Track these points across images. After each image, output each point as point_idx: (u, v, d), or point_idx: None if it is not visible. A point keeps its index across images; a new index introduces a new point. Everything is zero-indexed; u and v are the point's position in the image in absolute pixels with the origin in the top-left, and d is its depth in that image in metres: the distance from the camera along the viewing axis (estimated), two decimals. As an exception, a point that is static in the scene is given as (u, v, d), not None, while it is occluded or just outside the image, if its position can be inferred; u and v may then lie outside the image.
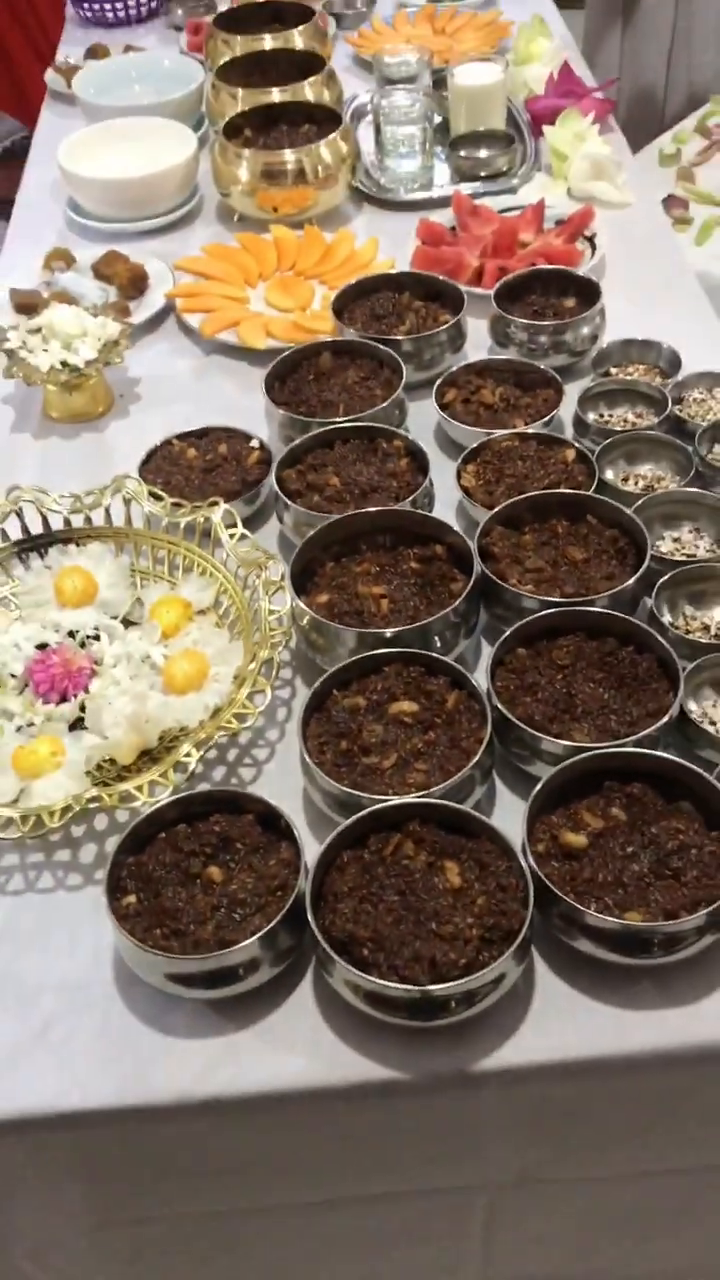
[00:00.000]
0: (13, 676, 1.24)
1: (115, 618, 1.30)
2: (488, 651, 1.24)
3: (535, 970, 1.01)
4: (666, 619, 1.22)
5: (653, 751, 1.06)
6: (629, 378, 1.55)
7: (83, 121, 2.18)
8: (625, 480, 1.42)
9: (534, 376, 1.51)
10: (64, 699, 1.22)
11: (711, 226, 2.23)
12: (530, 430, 1.42)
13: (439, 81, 2.14)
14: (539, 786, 1.04)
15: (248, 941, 0.95)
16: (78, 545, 1.36)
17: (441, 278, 1.67)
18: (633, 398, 1.52)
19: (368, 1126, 1.01)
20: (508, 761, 1.14)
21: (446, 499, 1.40)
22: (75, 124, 2.19)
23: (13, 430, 1.62)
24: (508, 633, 1.16)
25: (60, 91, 2.41)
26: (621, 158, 2.04)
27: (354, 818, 1.02)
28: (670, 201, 2.30)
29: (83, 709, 1.21)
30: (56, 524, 1.38)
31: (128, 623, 1.30)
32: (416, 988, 0.92)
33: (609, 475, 1.41)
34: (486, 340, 1.65)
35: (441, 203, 1.96)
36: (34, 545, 1.36)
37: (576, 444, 1.39)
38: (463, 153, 2.04)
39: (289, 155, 1.88)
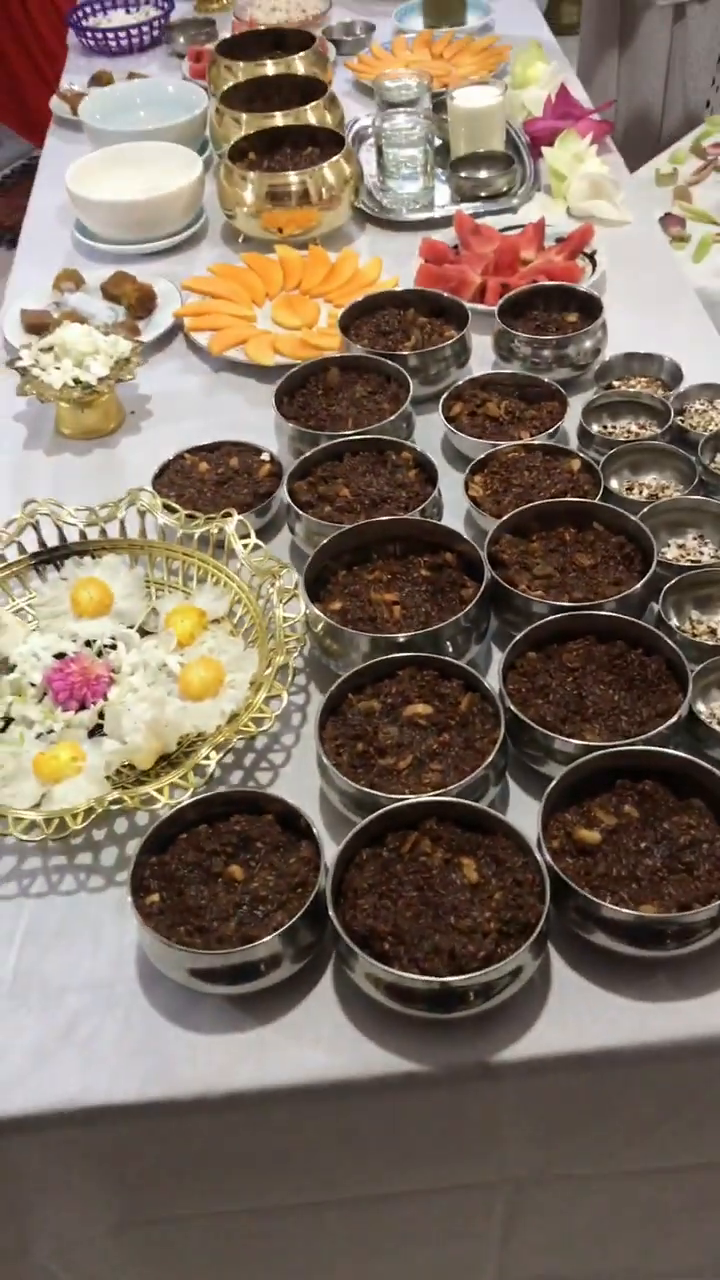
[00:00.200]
0: (32, 685, 1.26)
1: (131, 627, 1.32)
2: (498, 657, 1.27)
3: (551, 964, 1.03)
4: (674, 623, 1.25)
5: (663, 749, 1.08)
6: (632, 390, 1.58)
7: (89, 146, 2.22)
8: (630, 489, 1.44)
9: (538, 390, 1.54)
10: (83, 706, 1.24)
11: (709, 244, 2.27)
12: (536, 442, 1.45)
13: (439, 105, 2.18)
14: (553, 784, 1.06)
15: (270, 937, 0.97)
16: (93, 557, 1.38)
17: (445, 294, 1.71)
18: (635, 409, 1.55)
19: (389, 1121, 1.03)
20: (520, 763, 1.16)
21: (454, 509, 1.43)
22: (81, 149, 2.23)
23: (25, 447, 1.65)
24: (519, 636, 1.19)
25: (65, 118, 2.45)
26: (619, 177, 2.07)
27: (372, 816, 1.04)
28: (667, 220, 2.34)
29: (101, 716, 1.23)
30: (72, 536, 1.40)
31: (143, 632, 1.33)
32: (436, 979, 0.94)
33: (614, 485, 1.43)
34: (490, 355, 1.68)
35: (443, 223, 2.00)
36: (50, 557, 1.39)
37: (581, 454, 1.42)
38: (463, 174, 2.08)
39: (293, 177, 1.92)
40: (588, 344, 1.62)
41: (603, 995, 1.01)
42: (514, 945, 0.96)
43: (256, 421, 1.60)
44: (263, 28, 2.50)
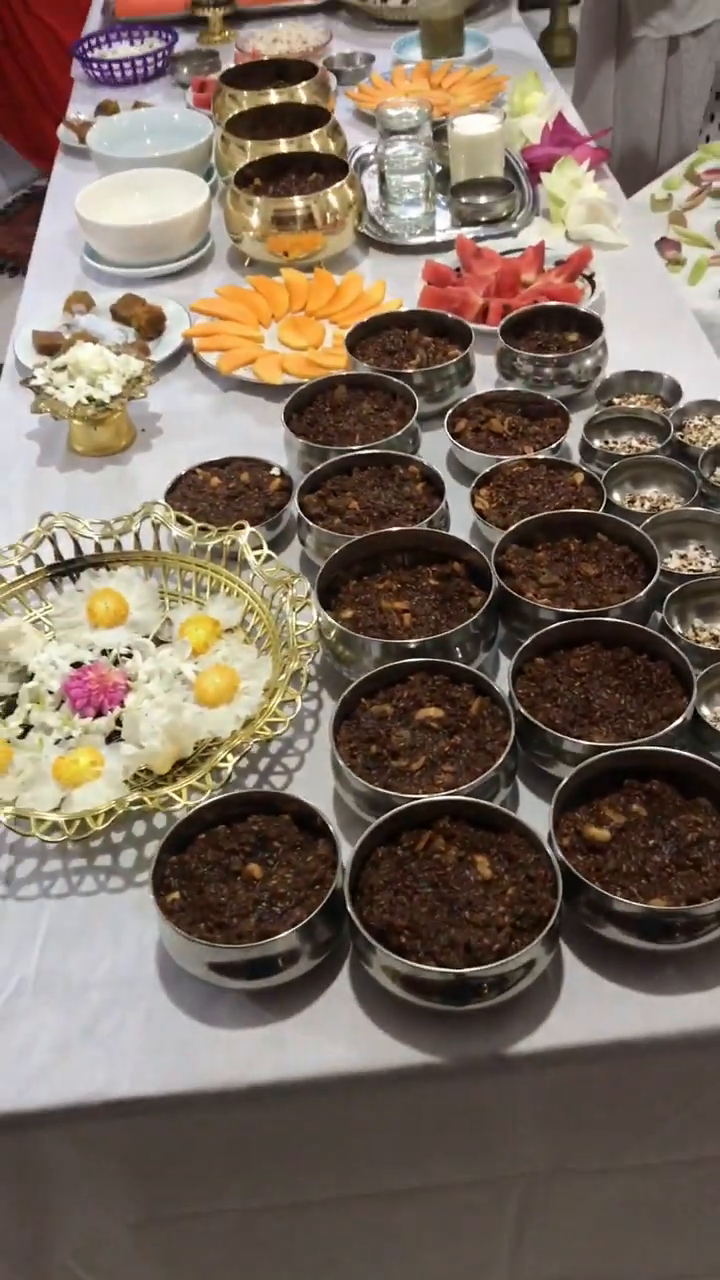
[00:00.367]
0: (50, 693, 1.29)
1: (146, 637, 1.35)
2: (505, 664, 1.30)
3: (563, 959, 1.06)
4: (677, 630, 1.28)
5: (670, 749, 1.11)
6: (632, 406, 1.62)
7: (96, 173, 2.27)
8: (631, 502, 1.48)
9: (541, 406, 1.58)
10: (100, 713, 1.27)
11: (704, 267, 2.32)
12: (540, 456, 1.48)
13: (439, 132, 2.23)
14: (563, 783, 1.09)
15: (288, 932, 1.00)
16: (109, 569, 1.41)
17: (449, 315, 1.75)
18: (636, 425, 1.58)
19: (405, 1114, 1.05)
20: (530, 765, 1.19)
21: (461, 522, 1.46)
22: (88, 176, 2.27)
23: (39, 464, 1.69)
24: (527, 641, 1.22)
25: (72, 146, 2.50)
26: (616, 202, 2.12)
27: (388, 814, 1.07)
28: (663, 244, 2.39)
29: (118, 722, 1.26)
30: (88, 549, 1.43)
31: (158, 641, 1.35)
32: (452, 970, 0.96)
33: (616, 498, 1.47)
34: (493, 374, 1.72)
35: (445, 246, 2.04)
36: (67, 569, 1.42)
37: (584, 468, 1.46)
38: (464, 199, 2.12)
39: (298, 202, 1.96)
40: (588, 362, 1.66)
41: (613, 988, 1.03)
42: (527, 939, 0.99)
43: (265, 438, 1.64)
44: (266, 59, 2.55)
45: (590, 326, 1.70)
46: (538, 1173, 1.13)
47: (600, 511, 1.39)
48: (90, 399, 1.61)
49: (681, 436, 1.55)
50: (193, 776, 1.15)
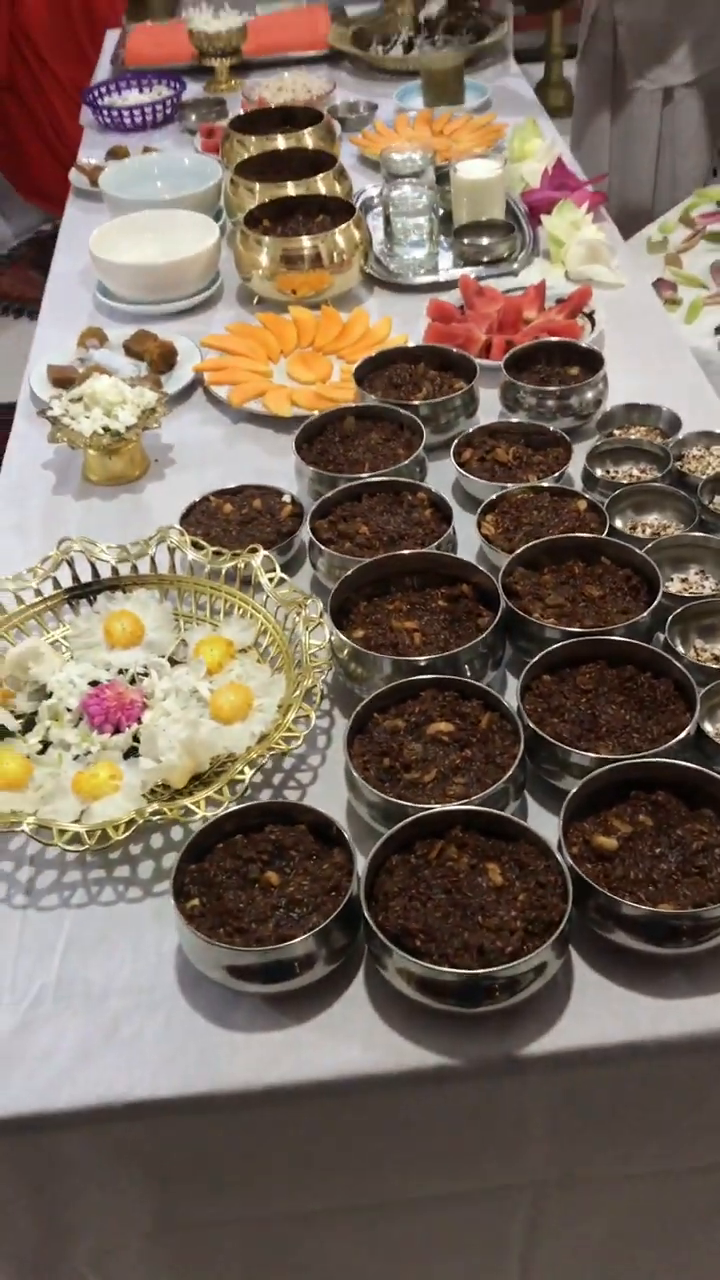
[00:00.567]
0: (68, 710, 1.32)
1: (162, 658, 1.38)
2: (513, 684, 1.33)
3: (573, 966, 1.08)
4: (679, 649, 1.31)
5: (675, 761, 1.14)
6: (633, 438, 1.67)
7: (106, 215, 2.33)
8: (633, 529, 1.52)
9: (544, 437, 1.63)
10: (118, 730, 1.30)
11: (699, 306, 2.38)
12: (544, 484, 1.53)
13: (442, 176, 2.29)
14: (572, 793, 1.12)
15: (306, 935, 1.02)
16: (125, 592, 1.45)
17: (454, 350, 1.80)
18: (636, 455, 1.63)
19: (418, 1117, 1.07)
20: (538, 779, 1.22)
21: (467, 547, 1.50)
22: (98, 218, 2.33)
23: (54, 492, 1.73)
24: (535, 659, 1.25)
25: (84, 189, 2.56)
26: (614, 244, 2.18)
27: (401, 824, 1.10)
28: (660, 284, 2.45)
29: (136, 739, 1.29)
30: (104, 573, 1.47)
31: (173, 662, 1.39)
32: (466, 971, 0.99)
33: (618, 524, 1.51)
34: (497, 408, 1.76)
35: (448, 286, 2.10)
36: (84, 592, 1.46)
37: (587, 495, 1.50)
38: (466, 240, 2.19)
39: (306, 242, 2.02)
40: (590, 395, 1.71)
41: (622, 993, 1.06)
42: (538, 943, 1.02)
43: (274, 469, 1.69)
44: (273, 106, 2.63)
45: (591, 361, 1.75)
46: (547, 1181, 1.15)
47: (604, 536, 1.43)
48: (106, 429, 1.65)
49: (681, 466, 1.59)
50: (210, 789, 1.18)
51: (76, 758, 1.28)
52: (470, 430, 1.64)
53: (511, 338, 1.87)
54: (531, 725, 1.19)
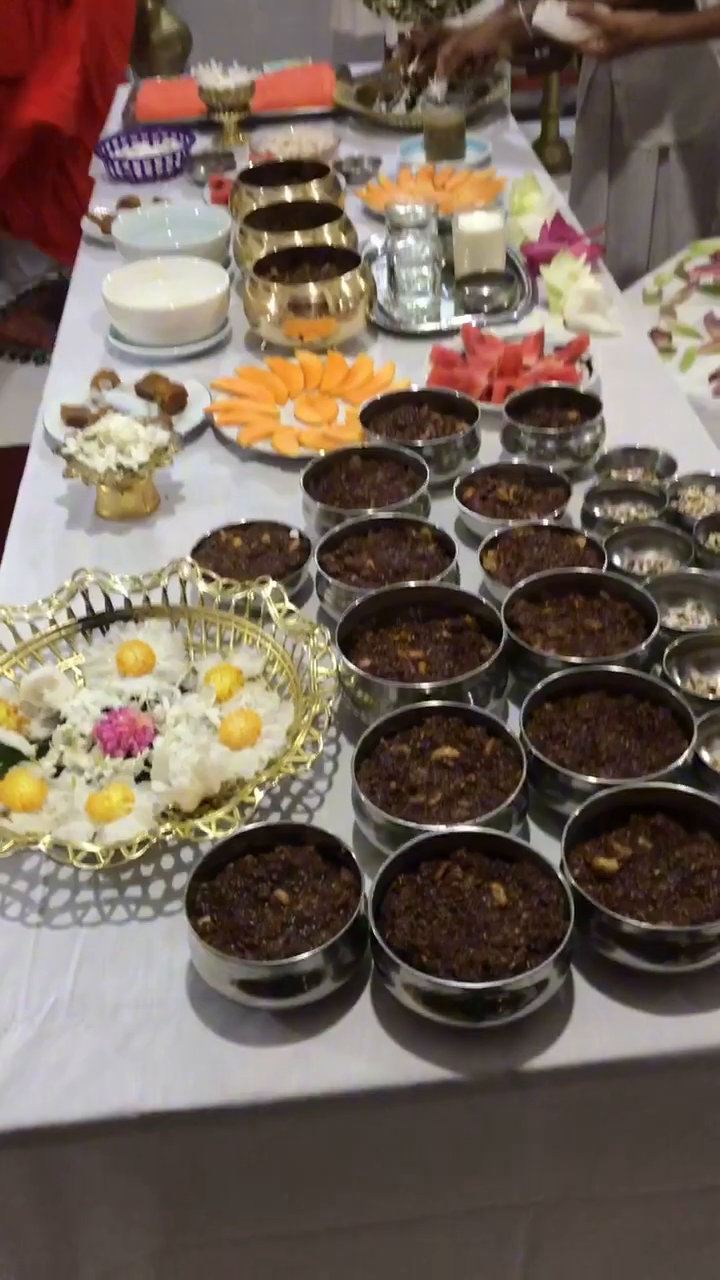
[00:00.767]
0: (82, 736, 1.35)
1: (172, 685, 1.42)
2: (515, 713, 1.37)
3: (574, 984, 1.11)
4: (677, 681, 1.35)
5: (674, 785, 1.18)
6: (630, 480, 1.72)
7: (117, 263, 2.40)
8: (631, 566, 1.57)
9: (544, 478, 1.68)
10: (130, 754, 1.33)
11: (694, 355, 2.45)
12: (545, 522, 1.57)
13: (444, 228, 2.36)
14: (573, 817, 1.15)
15: (315, 951, 1.05)
16: (137, 622, 1.49)
17: (457, 394, 1.85)
18: (634, 496, 1.68)
19: (422, 1132, 1.09)
20: (540, 804, 1.25)
21: (470, 581, 1.54)
22: (109, 265, 2.40)
23: (67, 527, 1.77)
24: (537, 688, 1.29)
25: (95, 237, 2.63)
26: (610, 294, 2.25)
27: (408, 844, 1.13)
28: (655, 334, 2.52)
29: (147, 764, 1.32)
30: (117, 603, 1.51)
31: (184, 689, 1.43)
32: (470, 985, 1.02)
33: (616, 561, 1.55)
34: (498, 449, 1.81)
35: (450, 333, 2.16)
36: (98, 622, 1.50)
37: (586, 533, 1.55)
38: (468, 290, 2.25)
39: (313, 289, 2.09)
40: (588, 438, 1.76)
41: (622, 1010, 1.09)
42: (541, 959, 1.05)
43: (282, 506, 1.73)
44: (280, 159, 2.71)
45: (589, 406, 1.81)
46: (547, 1201, 1.17)
47: (603, 571, 1.47)
48: (120, 465, 1.70)
49: (677, 506, 1.64)
50: (222, 810, 1.21)
51: (90, 781, 1.31)
52: (473, 470, 1.69)
53: (512, 383, 1.93)
54: (534, 751, 1.22)
